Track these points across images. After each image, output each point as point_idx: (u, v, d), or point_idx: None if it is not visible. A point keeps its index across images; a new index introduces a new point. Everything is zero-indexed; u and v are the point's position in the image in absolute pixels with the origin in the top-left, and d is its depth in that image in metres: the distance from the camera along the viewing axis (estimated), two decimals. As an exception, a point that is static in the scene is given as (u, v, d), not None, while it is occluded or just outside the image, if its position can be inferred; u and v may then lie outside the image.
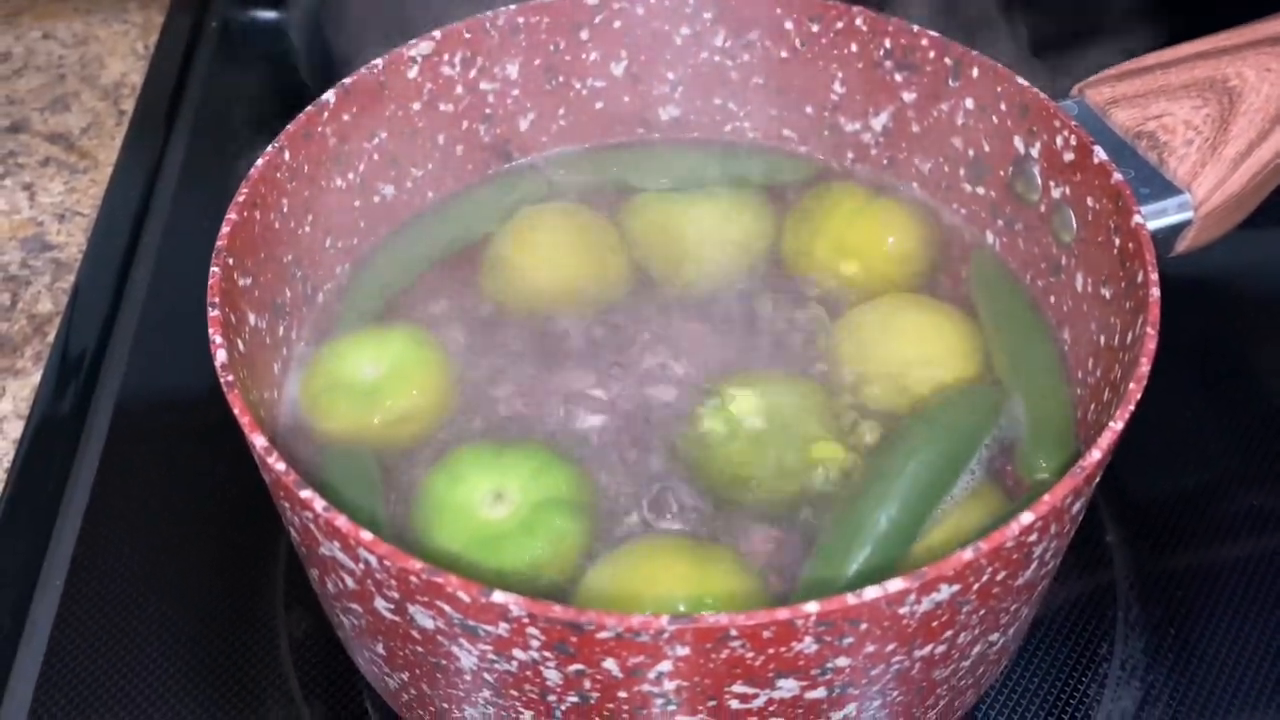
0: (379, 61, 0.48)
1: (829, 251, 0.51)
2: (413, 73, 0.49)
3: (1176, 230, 0.45)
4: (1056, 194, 0.46)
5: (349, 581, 0.34)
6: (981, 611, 0.34)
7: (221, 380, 0.36)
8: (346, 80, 0.47)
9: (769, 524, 0.42)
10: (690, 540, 0.41)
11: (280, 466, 0.33)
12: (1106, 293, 0.43)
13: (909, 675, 0.34)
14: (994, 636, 0.37)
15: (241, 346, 0.40)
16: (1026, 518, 0.32)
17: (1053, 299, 0.47)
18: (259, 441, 0.34)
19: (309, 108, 0.46)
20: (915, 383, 0.46)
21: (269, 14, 0.79)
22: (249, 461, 0.37)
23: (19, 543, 0.52)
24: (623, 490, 0.43)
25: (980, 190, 0.50)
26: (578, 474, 0.42)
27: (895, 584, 0.30)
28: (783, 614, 0.29)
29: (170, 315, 0.61)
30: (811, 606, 0.30)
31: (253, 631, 0.49)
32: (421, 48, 0.49)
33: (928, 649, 0.34)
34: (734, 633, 0.30)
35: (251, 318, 0.42)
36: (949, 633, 0.34)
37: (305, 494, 0.32)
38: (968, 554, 0.31)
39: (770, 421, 0.44)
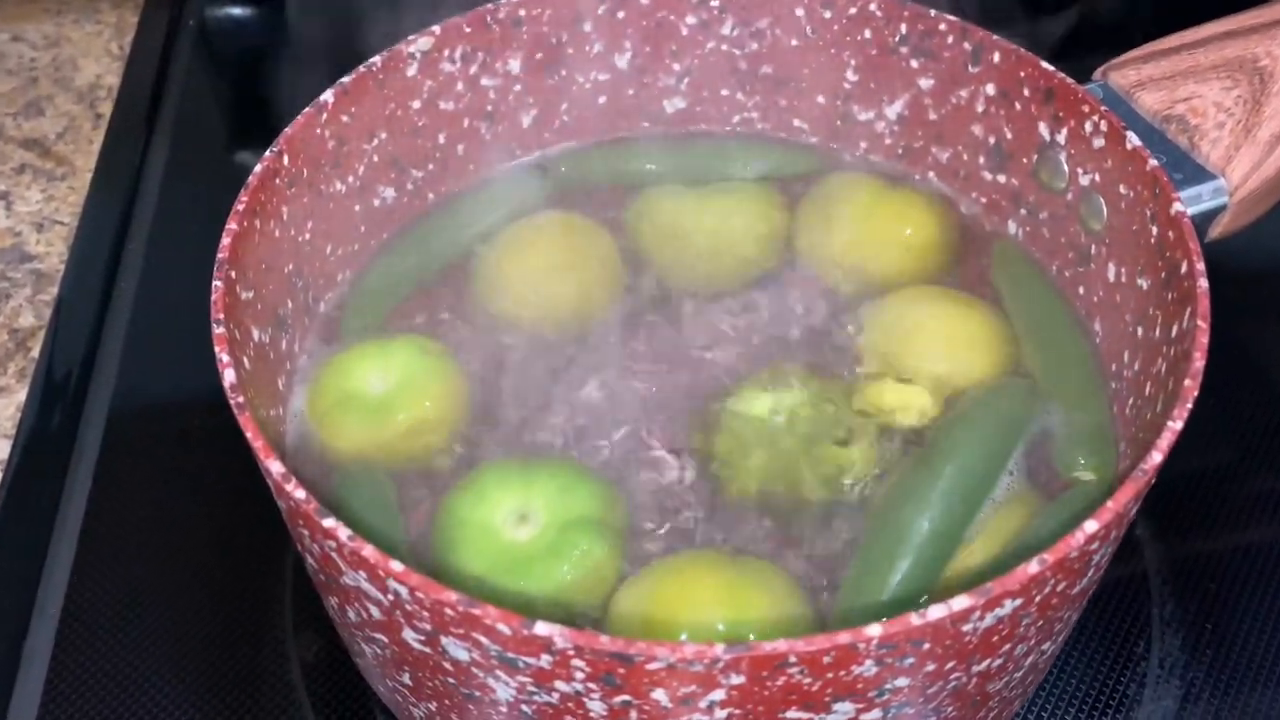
0: (377, 59, 0.46)
1: (845, 245, 0.49)
2: (412, 70, 0.47)
3: (1210, 216, 0.43)
4: (1085, 181, 0.44)
5: (374, 612, 0.32)
6: (1040, 623, 0.33)
7: (231, 403, 0.34)
8: (345, 79, 0.45)
9: (804, 532, 0.41)
10: (724, 553, 0.39)
11: (300, 494, 0.31)
12: (1144, 283, 0.41)
13: (965, 690, 0.33)
14: (1046, 645, 0.36)
15: (247, 364, 0.38)
16: (1091, 526, 0.30)
17: (1082, 289, 0.46)
18: (275, 468, 0.32)
19: (307, 109, 0.44)
20: (945, 378, 0.44)
21: (247, 10, 0.77)
22: (251, 476, 0.35)
23: (12, 570, 0.49)
24: (649, 503, 0.41)
25: (1002, 179, 0.49)
26: (606, 491, 0.40)
27: (960, 601, 0.29)
28: (844, 638, 0.28)
29: (160, 325, 0.59)
30: (874, 629, 0.28)
31: (261, 656, 0.47)
32: (421, 43, 0.47)
33: (985, 663, 0.32)
34: (793, 659, 0.28)
35: (255, 332, 0.40)
36: (1007, 646, 0.32)
37: (328, 523, 0.30)
38: (1033, 567, 0.29)
39: (796, 425, 0.43)
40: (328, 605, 0.39)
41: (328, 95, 0.44)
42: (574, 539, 0.39)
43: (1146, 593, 0.48)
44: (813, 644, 0.28)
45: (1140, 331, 0.41)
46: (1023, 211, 0.48)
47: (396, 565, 0.29)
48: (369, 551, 0.30)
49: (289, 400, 0.44)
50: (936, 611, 0.28)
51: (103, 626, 0.48)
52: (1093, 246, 0.45)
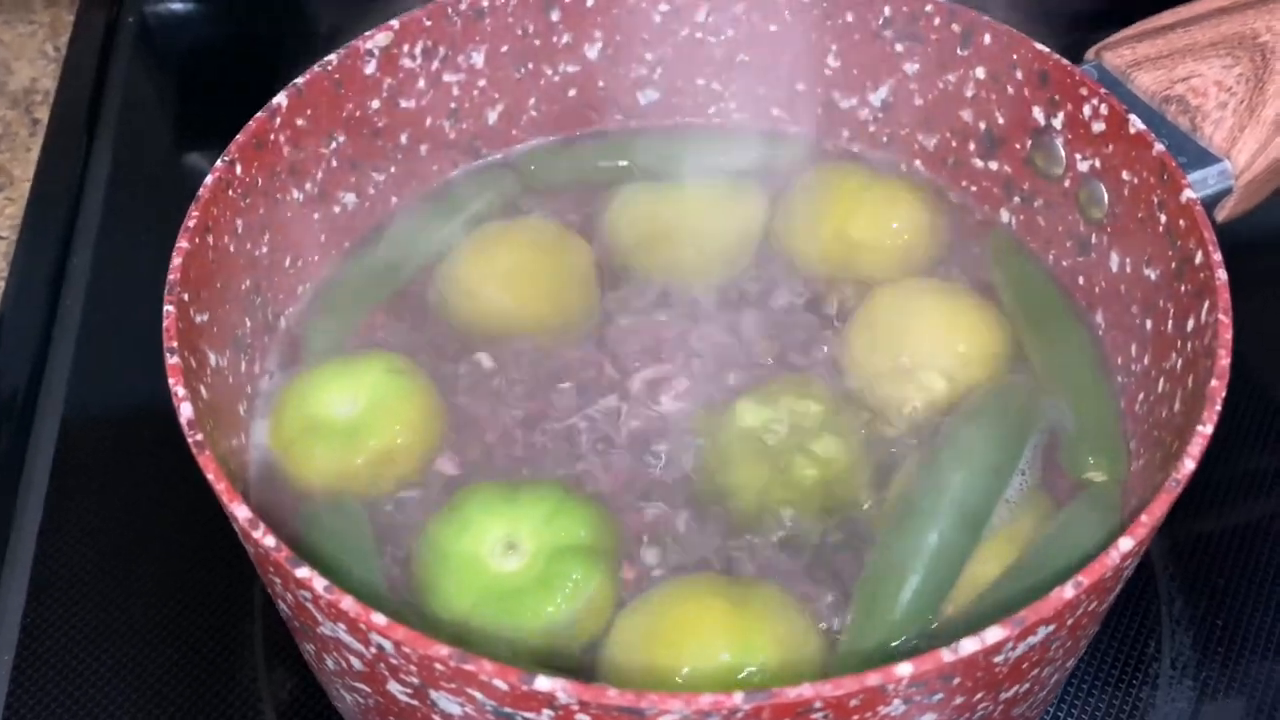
0: (333, 57, 0.43)
1: (831, 240, 0.47)
2: (370, 67, 0.44)
3: (1214, 201, 0.42)
4: (1084, 168, 0.42)
5: (355, 663, 0.30)
6: (1068, 643, 0.31)
7: (189, 441, 0.31)
8: (299, 80, 0.42)
9: (808, 549, 0.38)
10: (724, 578, 0.37)
11: (269, 541, 0.28)
12: (1151, 274, 0.39)
13: (990, 718, 0.31)
14: (1070, 662, 0.34)
15: (205, 393, 0.35)
16: (1126, 544, 0.29)
17: (1082, 280, 0.44)
18: (241, 513, 0.29)
19: (259, 114, 0.41)
20: (944, 374, 0.42)
21: (188, 5, 0.73)
22: (211, 500, 0.32)
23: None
24: (641, 524, 0.39)
25: (994, 166, 0.47)
26: (596, 515, 0.38)
27: (994, 633, 0.27)
28: (873, 679, 0.26)
29: (109, 341, 0.56)
30: (905, 668, 0.26)
31: (231, 696, 0.44)
32: (378, 39, 0.44)
33: (1013, 690, 0.30)
34: (818, 705, 0.26)
35: (212, 357, 0.37)
36: (1036, 670, 0.30)
37: (302, 573, 0.28)
38: (1068, 591, 0.27)
39: (793, 437, 0.40)
40: (303, 650, 0.36)
41: (281, 98, 0.41)
42: (565, 568, 0.36)
43: (1154, 591, 0.47)
44: (840, 687, 0.26)
45: (1149, 324, 0.40)
46: (1016, 200, 0.46)
47: (379, 618, 0.27)
48: (348, 604, 0.27)
49: (250, 427, 0.41)
50: (969, 645, 0.26)
51: (58, 669, 0.45)
52: (1093, 235, 0.43)
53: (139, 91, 0.68)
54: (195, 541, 0.48)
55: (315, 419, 0.40)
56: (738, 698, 0.25)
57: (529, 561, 0.36)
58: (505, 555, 0.37)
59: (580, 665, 0.36)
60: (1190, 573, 0.47)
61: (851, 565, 0.38)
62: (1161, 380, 0.38)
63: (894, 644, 0.35)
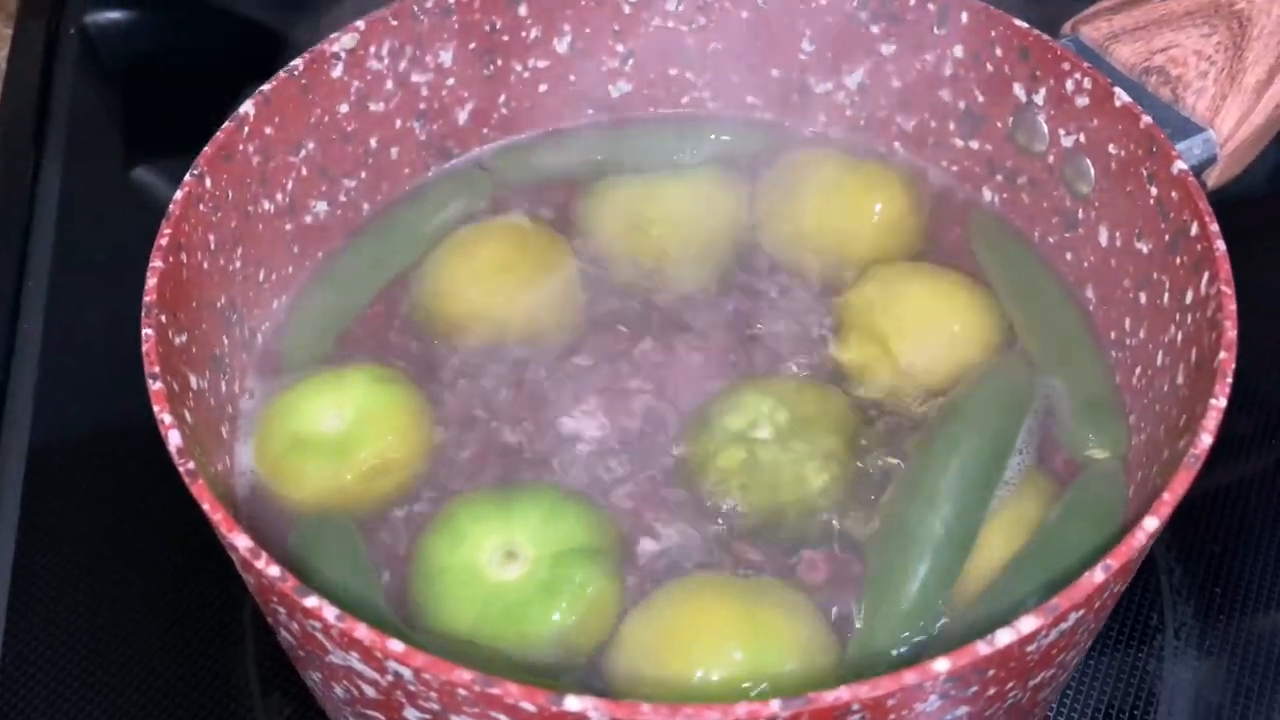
0: (298, 62, 0.42)
1: (813, 227, 0.46)
2: (337, 71, 0.43)
3: (1199, 170, 0.42)
4: (1068, 143, 0.42)
5: (369, 691, 0.29)
6: (1092, 626, 0.31)
7: (181, 469, 0.30)
8: (265, 87, 0.41)
9: (810, 545, 0.38)
10: (728, 578, 0.36)
11: (274, 571, 0.27)
12: (1143, 247, 0.39)
13: (1019, 705, 0.31)
14: (1089, 643, 0.34)
15: (189, 418, 0.34)
16: (1151, 523, 0.28)
17: (1070, 256, 0.44)
18: (242, 543, 0.28)
19: (226, 124, 0.39)
20: (936, 356, 0.42)
21: (129, 13, 0.71)
22: (194, 517, 0.31)
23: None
24: (639, 525, 0.38)
25: (974, 145, 0.46)
26: (594, 515, 0.37)
27: (1028, 623, 0.26)
28: (910, 677, 0.25)
29: (72, 363, 0.54)
30: (942, 664, 0.25)
31: (226, 727, 0.43)
32: (344, 41, 0.43)
33: (1041, 676, 0.30)
34: (856, 706, 0.25)
35: (193, 379, 0.36)
36: (1063, 655, 0.30)
37: (311, 602, 0.27)
38: (1098, 575, 0.27)
39: (785, 428, 0.40)
40: (306, 678, 0.35)
41: (248, 106, 0.40)
42: (568, 572, 0.36)
43: (1152, 561, 0.47)
44: (878, 688, 0.25)
45: (1143, 298, 0.39)
46: (998, 178, 0.46)
47: (397, 645, 0.26)
48: (363, 632, 0.26)
49: (234, 448, 0.39)
50: (1005, 637, 0.26)
51: (43, 701, 0.43)
52: (1080, 210, 0.43)
53: (85, 103, 0.66)
54: (176, 567, 0.47)
55: (302, 436, 0.39)
56: (774, 705, 0.25)
57: (530, 569, 0.36)
58: (505, 564, 0.36)
59: (589, 673, 0.35)
60: (1187, 542, 0.47)
61: (856, 557, 0.37)
62: (1160, 354, 0.38)
63: (906, 634, 0.35)
